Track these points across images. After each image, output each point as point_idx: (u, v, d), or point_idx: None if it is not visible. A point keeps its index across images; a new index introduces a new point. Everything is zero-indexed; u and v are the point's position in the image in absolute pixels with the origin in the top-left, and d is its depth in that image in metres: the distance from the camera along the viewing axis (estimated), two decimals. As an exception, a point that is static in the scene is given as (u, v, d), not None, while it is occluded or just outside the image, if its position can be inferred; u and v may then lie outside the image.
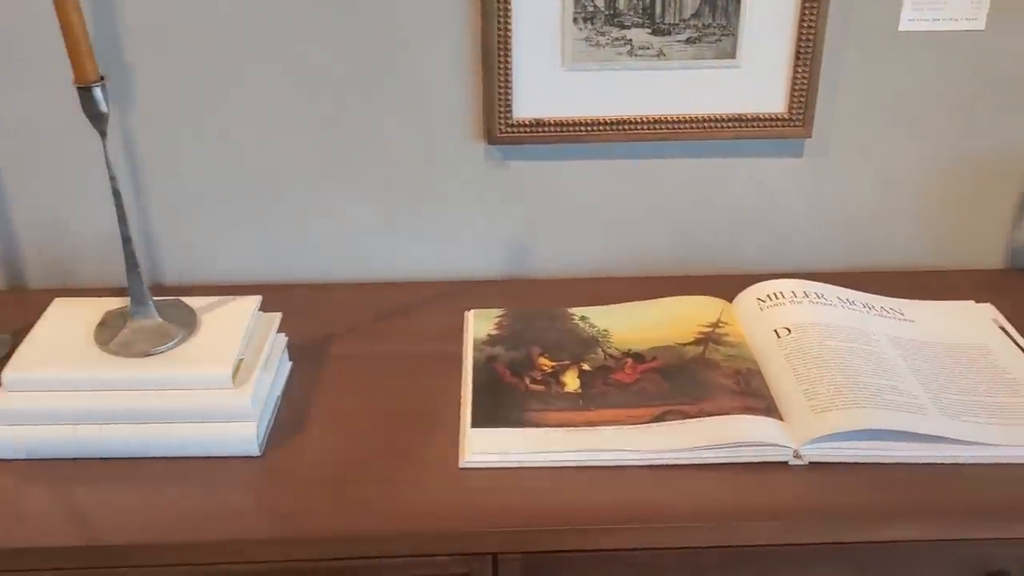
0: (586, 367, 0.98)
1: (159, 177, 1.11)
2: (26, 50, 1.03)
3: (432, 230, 1.16)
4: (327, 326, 1.07)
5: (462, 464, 0.87)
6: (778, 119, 1.10)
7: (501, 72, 1.06)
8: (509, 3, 1.03)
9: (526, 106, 1.09)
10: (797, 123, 1.10)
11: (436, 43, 1.06)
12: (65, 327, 0.91)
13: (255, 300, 0.97)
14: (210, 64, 1.05)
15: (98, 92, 0.81)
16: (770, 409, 0.91)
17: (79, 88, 0.80)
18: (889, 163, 1.14)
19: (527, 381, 0.96)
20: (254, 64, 1.06)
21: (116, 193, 0.86)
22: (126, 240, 0.88)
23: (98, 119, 0.82)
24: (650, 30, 1.06)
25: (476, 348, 1.01)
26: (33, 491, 0.84)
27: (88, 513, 0.82)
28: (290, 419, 0.93)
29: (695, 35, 1.06)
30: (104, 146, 0.84)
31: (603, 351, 1.01)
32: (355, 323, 1.08)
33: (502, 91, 1.07)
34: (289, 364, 1.00)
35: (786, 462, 0.87)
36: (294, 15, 1.03)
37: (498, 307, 1.09)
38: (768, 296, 1.06)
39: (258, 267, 1.16)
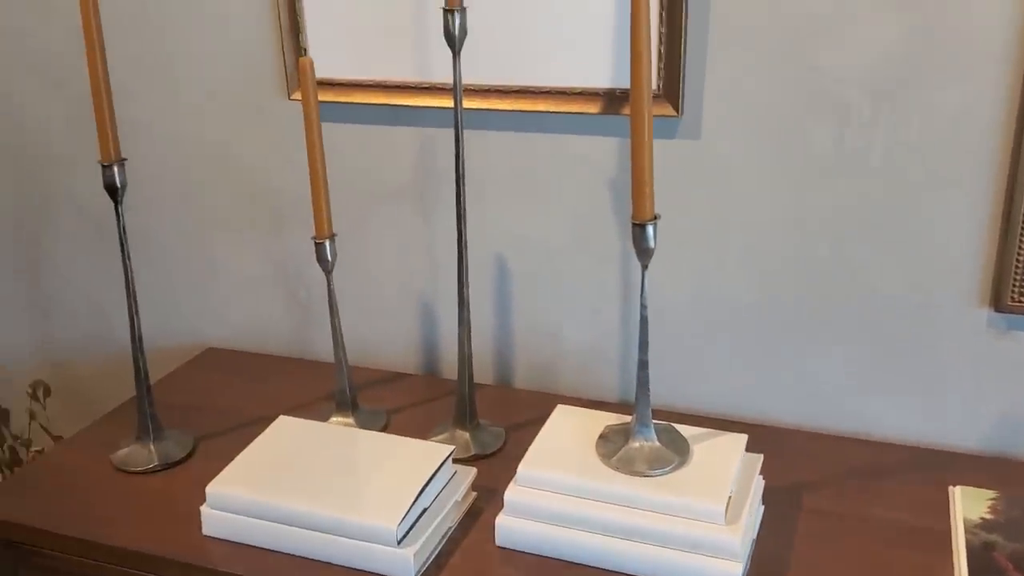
0: (1110, 579, 0.86)
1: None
2: (544, 182, 1.17)
3: (913, 391, 1.10)
4: (796, 474, 1.05)
5: (967, 660, 0.80)
6: None
7: (1024, 236, 1.00)
8: (1045, 168, 0.98)
9: (1046, 276, 1.01)
10: None
11: (948, 195, 1.02)
12: (569, 434, 0.99)
13: (742, 439, 0.98)
14: (708, 204, 1.11)
15: (650, 229, 0.88)
16: None
17: (634, 224, 0.88)
18: None
19: (1038, 581, 0.86)
20: (755, 205, 1.10)
21: (644, 320, 0.92)
22: (642, 364, 0.94)
23: (644, 253, 0.89)
24: None
25: (968, 530, 0.93)
26: (532, 585, 0.91)
27: (578, 619, 0.87)
28: (765, 566, 0.92)
29: None
30: (643, 276, 0.91)
31: None
32: (825, 476, 1.05)
33: (1022, 256, 1.01)
34: (762, 508, 0.99)
35: None
36: (804, 163, 1.06)
37: (986, 487, 1.00)
38: None
39: (722, 401, 1.18)
